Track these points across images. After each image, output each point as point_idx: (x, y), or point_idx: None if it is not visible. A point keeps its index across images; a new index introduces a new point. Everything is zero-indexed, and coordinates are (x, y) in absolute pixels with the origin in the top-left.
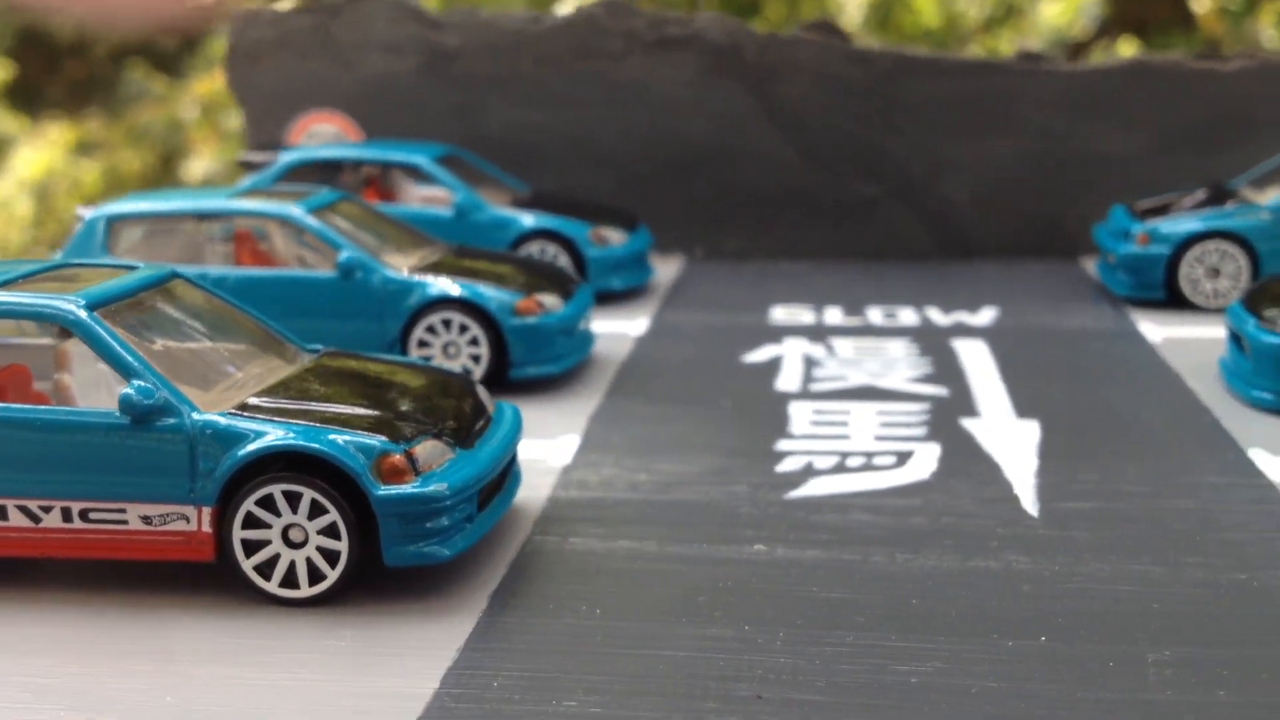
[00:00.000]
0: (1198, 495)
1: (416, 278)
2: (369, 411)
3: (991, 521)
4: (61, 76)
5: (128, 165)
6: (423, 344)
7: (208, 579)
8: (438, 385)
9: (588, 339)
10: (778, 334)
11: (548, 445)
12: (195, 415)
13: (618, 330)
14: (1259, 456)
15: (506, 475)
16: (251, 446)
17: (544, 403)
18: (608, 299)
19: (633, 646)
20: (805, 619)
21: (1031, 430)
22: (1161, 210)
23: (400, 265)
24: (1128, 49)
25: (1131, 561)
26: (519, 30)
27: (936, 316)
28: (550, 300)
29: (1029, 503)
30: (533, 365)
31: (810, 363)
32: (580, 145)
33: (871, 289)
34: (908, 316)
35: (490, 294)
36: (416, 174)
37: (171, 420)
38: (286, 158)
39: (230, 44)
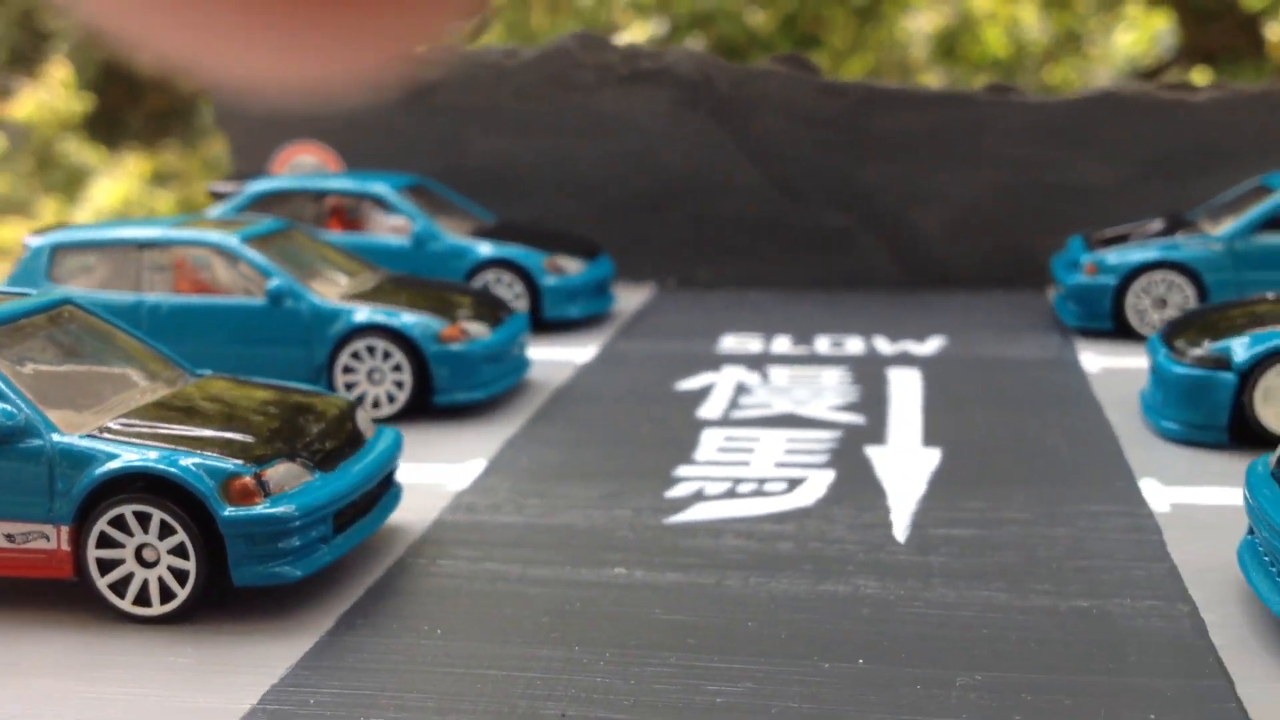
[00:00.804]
0: (1074, 523)
1: (344, 305)
2: (226, 434)
3: (856, 547)
4: (141, 108)
5: (201, 195)
6: (348, 370)
7: (72, 596)
8: (309, 410)
9: (520, 365)
10: (718, 362)
11: (450, 469)
12: (55, 437)
13: (564, 357)
14: (1148, 486)
15: (378, 497)
16: (104, 468)
17: (464, 427)
18: (564, 327)
19: (459, 666)
20: (637, 640)
21: (932, 458)
22: (1118, 240)
23: (330, 293)
24: (1200, 77)
25: (980, 587)
26: (496, 63)
27: (882, 346)
28: (476, 328)
29: (900, 529)
30: (458, 391)
31: (741, 390)
32: (557, 175)
33: (829, 318)
34: (854, 345)
35: (412, 321)
36: (381, 204)
37: (33, 442)
38: (253, 188)
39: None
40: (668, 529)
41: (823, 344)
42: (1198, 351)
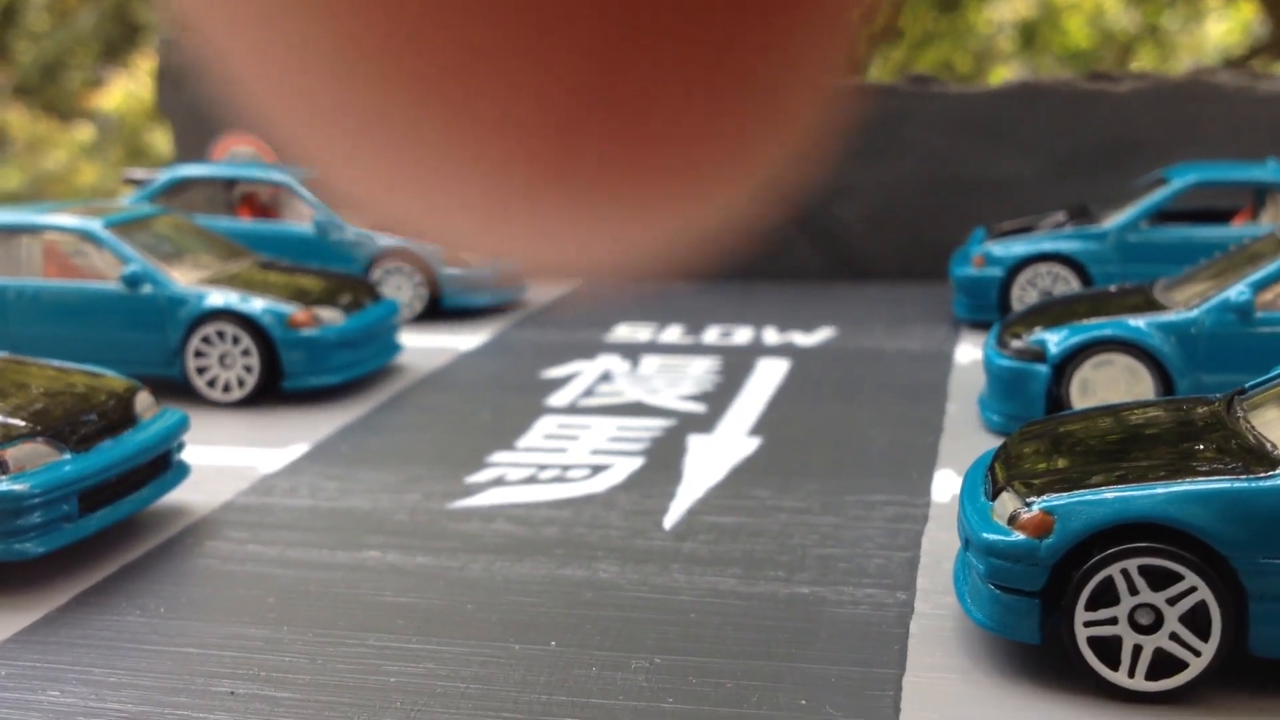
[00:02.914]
0: (844, 513)
1: (198, 290)
2: None
3: (618, 533)
4: None
5: None
6: (199, 354)
7: None
8: (78, 391)
9: (387, 350)
10: (594, 350)
11: (269, 453)
12: None
13: (450, 345)
14: (942, 477)
15: (148, 477)
16: None
17: (308, 411)
18: (470, 314)
19: (159, 643)
20: (347, 621)
21: (747, 447)
22: (1020, 233)
23: (188, 278)
24: None
25: (713, 573)
26: None
27: (769, 336)
28: (329, 314)
29: (672, 516)
30: (309, 376)
31: (603, 379)
32: None
33: (733, 308)
34: (741, 336)
35: (260, 307)
36: (290, 193)
37: None
38: (166, 175)
39: (159, 68)
40: (446, 513)
41: (711, 334)
42: (1017, 343)
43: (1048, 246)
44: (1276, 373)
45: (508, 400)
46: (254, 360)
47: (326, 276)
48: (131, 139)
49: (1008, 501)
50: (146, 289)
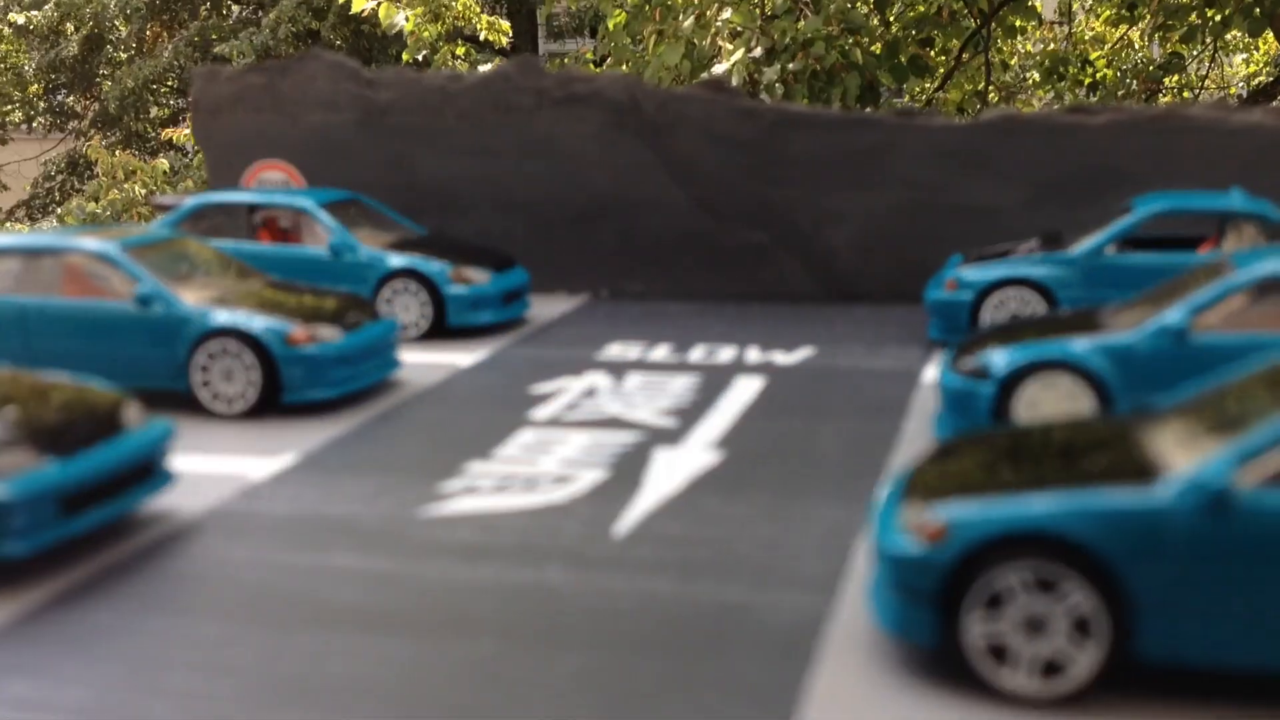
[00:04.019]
0: (788, 522)
1: (204, 309)
2: None
3: (572, 540)
4: None
5: None
6: (204, 369)
7: None
8: (66, 401)
9: (386, 366)
10: (583, 367)
11: (259, 462)
12: None
13: (450, 361)
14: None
15: (132, 484)
16: None
17: (305, 423)
18: (474, 333)
19: (122, 639)
20: (300, 621)
21: (709, 460)
22: (995, 258)
23: (196, 298)
24: None
25: (650, 579)
26: (442, 87)
27: (751, 355)
28: (327, 332)
29: (625, 524)
30: (307, 390)
31: (588, 394)
32: (497, 193)
33: (722, 329)
34: (725, 355)
35: (261, 324)
36: (307, 217)
37: None
38: (191, 201)
39: (194, 99)
40: (414, 520)
41: (697, 353)
42: (966, 363)
43: (1015, 272)
44: (1184, 394)
45: (493, 414)
46: (255, 375)
47: (329, 296)
48: (202, 170)
49: (910, 510)
50: (157, 308)
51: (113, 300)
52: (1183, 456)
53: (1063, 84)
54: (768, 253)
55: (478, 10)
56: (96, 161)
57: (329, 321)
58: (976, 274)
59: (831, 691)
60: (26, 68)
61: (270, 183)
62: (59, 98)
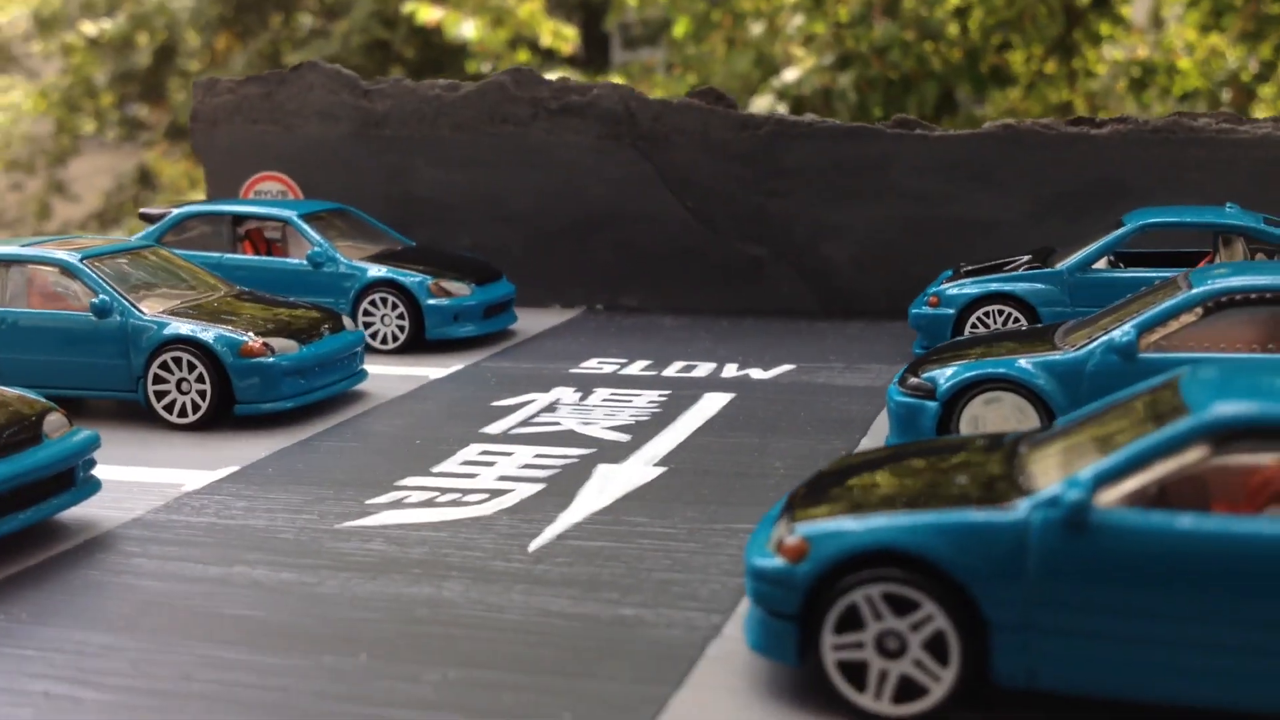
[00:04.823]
0: (706, 540)
1: (160, 319)
2: None
3: (483, 554)
4: None
5: None
6: (159, 379)
7: None
8: None
9: (349, 378)
10: (552, 382)
11: (196, 473)
12: None
13: (421, 373)
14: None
15: (49, 493)
16: None
17: (255, 434)
18: (458, 345)
19: (5, 646)
20: (186, 631)
21: (648, 475)
22: (984, 273)
23: (154, 308)
24: None
25: (549, 595)
26: (437, 97)
27: (727, 371)
28: (283, 343)
29: (542, 540)
30: (261, 401)
31: (548, 409)
32: (493, 205)
33: (709, 343)
34: (701, 370)
35: (212, 335)
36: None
37: None
38: (177, 212)
39: (194, 109)
40: (330, 533)
41: (673, 368)
42: (914, 380)
43: (997, 287)
44: (1072, 416)
45: (447, 427)
46: (206, 386)
47: (294, 308)
48: None
49: (778, 529)
50: (114, 318)
51: (73, 310)
52: (1052, 477)
53: (1149, 93)
54: (765, 267)
55: (542, 18)
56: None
57: (288, 333)
58: (958, 290)
59: (691, 710)
60: (98, 78)
61: (268, 194)
62: (130, 108)
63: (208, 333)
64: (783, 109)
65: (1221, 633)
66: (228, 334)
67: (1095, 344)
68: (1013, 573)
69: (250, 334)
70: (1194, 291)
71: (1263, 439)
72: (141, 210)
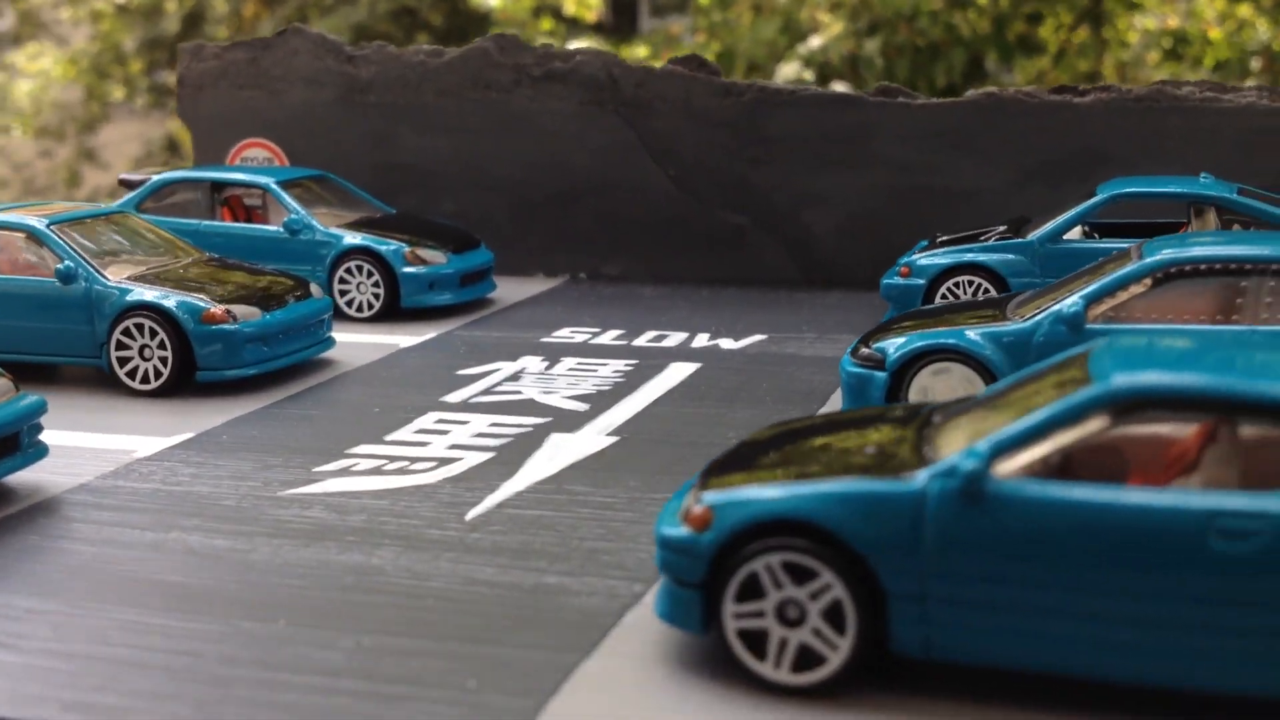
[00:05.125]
0: (643, 510)
1: (124, 285)
2: None
3: (420, 523)
4: None
5: None
6: (122, 345)
7: None
8: None
9: (315, 345)
10: (520, 351)
11: (149, 440)
12: None
13: (392, 341)
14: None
15: None
16: None
17: (213, 401)
18: (428, 313)
19: None
20: (113, 596)
21: (599, 445)
22: (960, 243)
23: (119, 275)
24: None
25: (478, 563)
26: (422, 63)
27: (698, 341)
28: (245, 310)
29: (481, 508)
30: (223, 368)
31: (512, 378)
32: (477, 172)
33: (685, 314)
34: (672, 340)
35: (174, 302)
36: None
37: None
38: (156, 178)
39: (180, 75)
40: (272, 500)
41: (644, 338)
42: (864, 350)
43: (968, 258)
44: (992, 388)
45: (408, 396)
46: (168, 353)
47: (260, 275)
48: None
49: (688, 498)
50: (79, 284)
51: (39, 276)
52: (955, 447)
53: (1180, 64)
54: (747, 236)
55: None
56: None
57: (252, 300)
58: (929, 260)
59: (598, 677)
60: (127, 45)
61: (254, 160)
62: (159, 75)
63: (169, 299)
64: (809, 75)
65: (1115, 605)
66: (190, 300)
67: (1043, 315)
68: (910, 543)
69: (212, 300)
70: (1143, 262)
71: (1165, 409)
72: (121, 176)
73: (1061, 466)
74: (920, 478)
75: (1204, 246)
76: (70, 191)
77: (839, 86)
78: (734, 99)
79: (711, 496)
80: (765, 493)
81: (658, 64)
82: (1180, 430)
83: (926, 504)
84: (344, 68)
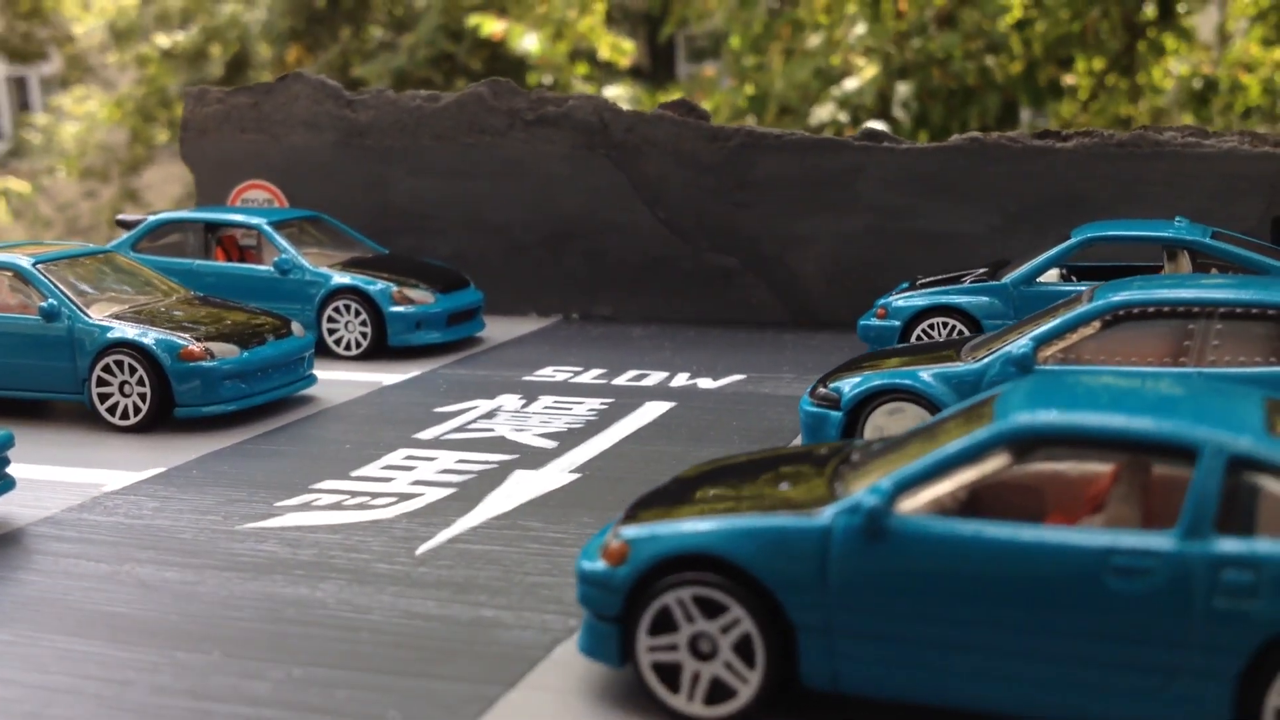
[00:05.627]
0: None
1: (105, 323)
2: None
3: (370, 557)
4: None
5: None
6: (103, 382)
7: None
8: None
9: (295, 382)
10: (498, 389)
11: (120, 474)
12: None
13: (375, 379)
14: None
15: None
16: None
17: (190, 437)
18: (415, 352)
19: None
20: (53, 626)
21: (560, 481)
22: (939, 285)
23: (101, 312)
24: None
25: (419, 597)
26: (418, 107)
27: (677, 380)
28: (223, 348)
29: (432, 543)
30: (201, 405)
31: (488, 415)
32: (471, 214)
33: (668, 354)
34: (651, 379)
35: (152, 339)
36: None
37: None
38: (152, 219)
39: (184, 119)
40: (229, 534)
41: (624, 377)
42: (822, 390)
43: (943, 300)
44: (915, 428)
45: (382, 433)
46: (146, 389)
47: (242, 313)
48: None
49: (609, 533)
50: (61, 321)
51: (23, 314)
52: (864, 484)
53: (1209, 109)
54: (735, 277)
55: (601, 31)
56: None
57: (231, 338)
58: (905, 301)
59: (518, 709)
60: (172, 89)
61: (255, 202)
62: None
63: (148, 336)
64: (844, 118)
65: (1014, 640)
66: (168, 338)
67: (994, 356)
68: (816, 578)
69: (191, 338)
70: (1093, 305)
71: (1065, 448)
72: (118, 216)
73: (969, 504)
74: (826, 514)
75: (1152, 290)
76: (113, 231)
77: (875, 125)
78: (722, 143)
79: (629, 531)
80: (678, 528)
81: (647, 109)
82: (1092, 469)
83: (832, 540)
84: (343, 112)
